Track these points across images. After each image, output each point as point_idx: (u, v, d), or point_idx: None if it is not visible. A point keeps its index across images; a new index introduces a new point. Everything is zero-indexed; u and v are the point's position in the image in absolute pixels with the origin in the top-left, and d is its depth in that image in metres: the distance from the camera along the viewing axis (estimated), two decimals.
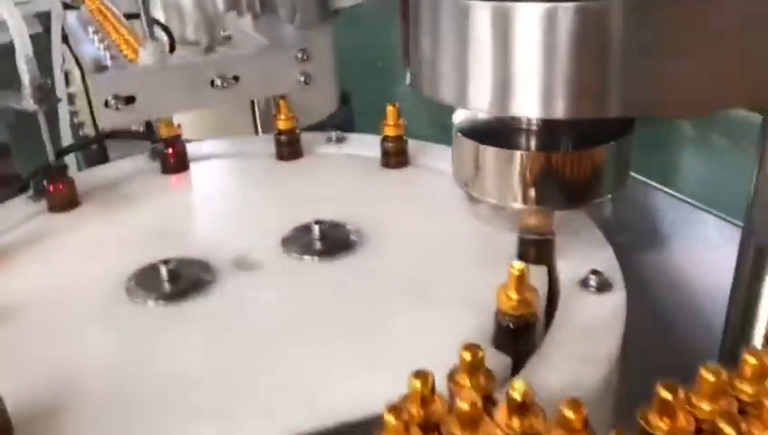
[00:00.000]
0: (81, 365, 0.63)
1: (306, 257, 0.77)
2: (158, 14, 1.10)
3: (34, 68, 0.83)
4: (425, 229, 0.82)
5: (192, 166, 1.02)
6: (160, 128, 0.96)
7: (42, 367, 0.63)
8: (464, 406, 0.44)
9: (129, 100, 0.89)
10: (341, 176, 0.98)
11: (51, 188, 0.91)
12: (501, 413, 0.45)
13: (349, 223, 0.83)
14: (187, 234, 0.85)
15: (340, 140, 1.07)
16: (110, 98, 0.88)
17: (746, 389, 0.48)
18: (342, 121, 1.58)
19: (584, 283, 0.69)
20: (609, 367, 0.59)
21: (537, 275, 0.72)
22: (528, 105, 0.59)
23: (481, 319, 0.63)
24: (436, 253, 0.78)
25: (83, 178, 0.98)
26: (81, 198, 0.94)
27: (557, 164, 0.65)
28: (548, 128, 0.68)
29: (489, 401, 0.49)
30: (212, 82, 0.92)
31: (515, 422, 0.44)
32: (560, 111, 0.58)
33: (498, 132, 0.67)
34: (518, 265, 0.59)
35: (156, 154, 1.01)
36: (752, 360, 0.49)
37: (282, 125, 1.02)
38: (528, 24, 0.56)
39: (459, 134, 0.68)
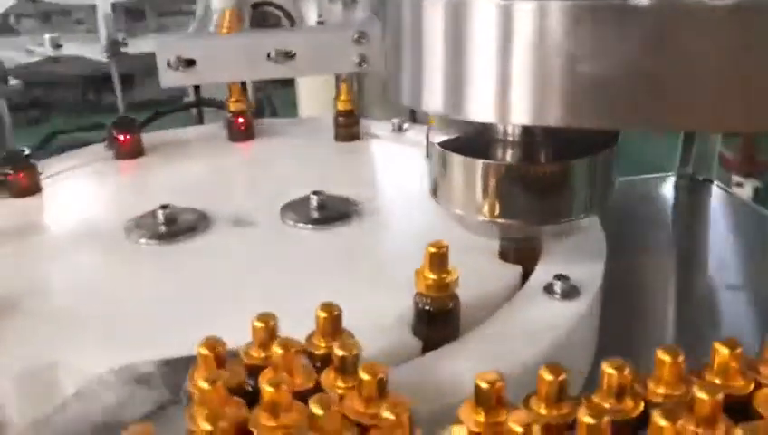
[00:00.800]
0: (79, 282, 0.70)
1: (300, 224, 0.79)
2: None
3: (111, 24, 0.91)
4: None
5: (257, 139, 1.08)
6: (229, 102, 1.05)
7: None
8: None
9: (190, 63, 0.95)
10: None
11: (120, 138, 1.00)
12: None
13: (354, 197, 0.83)
14: (211, 192, 0.90)
15: (402, 128, 1.08)
16: (172, 59, 0.95)
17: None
18: None
19: (549, 288, 0.65)
20: (517, 372, 0.55)
21: (509, 275, 0.69)
22: (483, 109, 0.56)
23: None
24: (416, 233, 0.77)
25: (156, 136, 1.07)
26: (147, 151, 1.03)
27: (519, 176, 0.62)
28: (531, 142, 0.65)
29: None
30: (268, 55, 0.96)
31: None
32: (517, 116, 0.55)
33: (480, 145, 0.65)
34: (437, 243, 0.56)
35: (227, 123, 1.09)
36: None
37: (341, 106, 1.05)
38: (482, 21, 0.54)
39: (431, 142, 0.67)
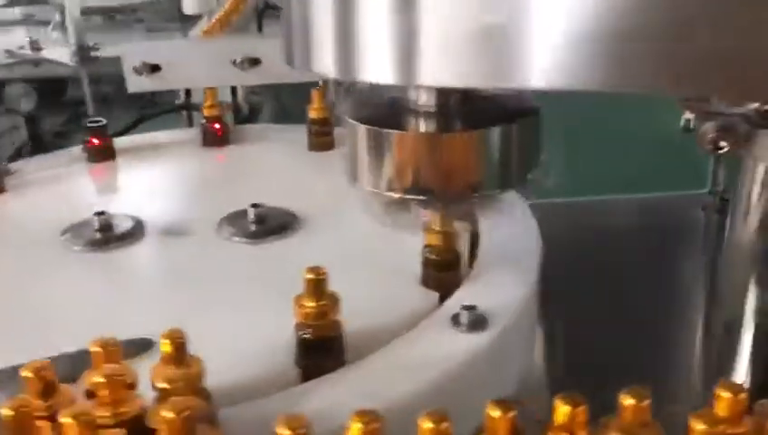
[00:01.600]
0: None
1: (234, 238, 0.78)
2: None
3: (82, 30, 0.92)
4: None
5: (232, 146, 1.07)
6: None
7: None
8: None
9: (155, 68, 0.96)
10: None
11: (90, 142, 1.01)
12: None
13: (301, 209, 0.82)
14: (161, 199, 0.90)
15: None
16: (137, 65, 0.95)
17: None
18: None
19: (455, 318, 0.62)
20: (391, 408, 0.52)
21: (425, 301, 0.67)
22: (376, 69, 0.52)
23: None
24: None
25: (131, 139, 1.08)
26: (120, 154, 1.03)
27: (426, 145, 0.58)
28: (446, 114, 0.59)
29: None
30: (233, 62, 0.96)
31: None
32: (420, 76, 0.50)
33: (395, 119, 0.60)
34: (315, 269, 0.54)
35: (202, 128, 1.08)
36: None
37: (314, 114, 1.03)
38: None
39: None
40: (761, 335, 0.61)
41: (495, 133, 0.58)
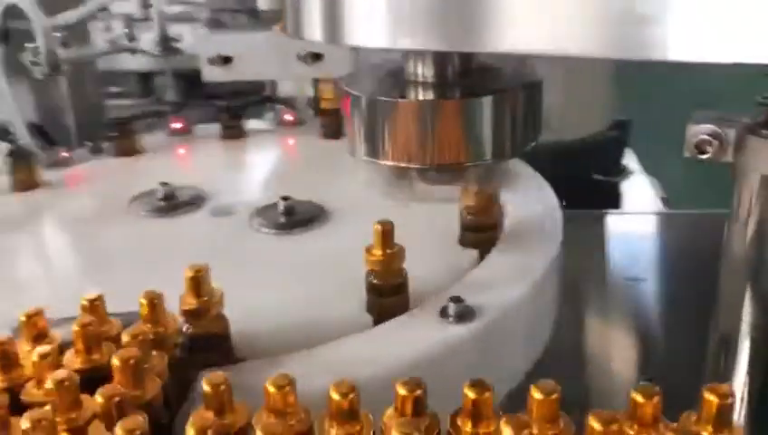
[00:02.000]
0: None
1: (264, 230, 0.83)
2: None
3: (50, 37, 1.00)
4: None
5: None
6: None
7: None
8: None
9: (227, 59, 1.03)
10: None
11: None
12: None
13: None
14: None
15: None
16: (212, 56, 1.03)
17: None
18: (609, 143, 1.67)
19: (443, 311, 0.64)
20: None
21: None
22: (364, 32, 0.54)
23: None
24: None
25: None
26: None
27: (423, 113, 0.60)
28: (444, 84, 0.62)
29: None
30: (298, 56, 1.01)
31: None
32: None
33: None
34: (194, 266, 0.55)
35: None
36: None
37: (324, 105, 1.09)
38: None
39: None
40: (755, 351, 0.58)
41: (487, 102, 0.60)
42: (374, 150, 0.63)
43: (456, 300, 0.64)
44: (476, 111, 0.60)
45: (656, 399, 0.41)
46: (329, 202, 0.86)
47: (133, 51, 1.11)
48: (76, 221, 0.88)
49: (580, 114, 1.83)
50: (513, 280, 0.69)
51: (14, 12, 1.07)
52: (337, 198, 0.86)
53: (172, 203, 0.88)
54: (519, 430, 0.40)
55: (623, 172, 1.87)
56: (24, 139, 1.08)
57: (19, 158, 0.95)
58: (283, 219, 0.82)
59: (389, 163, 0.62)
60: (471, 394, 0.42)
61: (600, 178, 1.85)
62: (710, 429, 0.41)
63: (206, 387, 0.43)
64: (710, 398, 0.41)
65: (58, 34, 1.09)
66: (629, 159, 1.89)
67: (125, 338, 0.51)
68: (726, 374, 0.60)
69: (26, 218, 0.88)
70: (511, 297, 0.66)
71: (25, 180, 0.95)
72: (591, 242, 1.66)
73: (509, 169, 0.78)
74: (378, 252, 0.63)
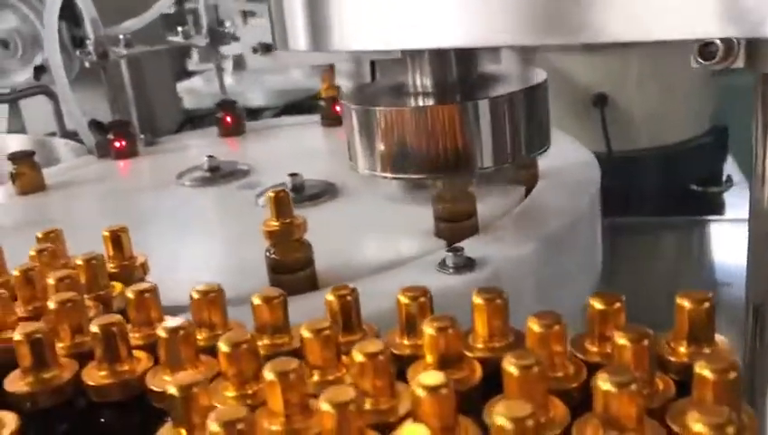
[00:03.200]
0: None
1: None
2: None
3: (99, 28, 1.02)
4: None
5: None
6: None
7: None
8: None
9: (268, 48, 1.03)
10: None
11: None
12: None
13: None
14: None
15: None
16: (255, 45, 1.03)
17: None
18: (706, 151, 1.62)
19: (442, 262, 0.59)
20: None
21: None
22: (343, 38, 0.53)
23: None
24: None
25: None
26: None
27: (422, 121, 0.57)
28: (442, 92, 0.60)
29: None
30: None
31: None
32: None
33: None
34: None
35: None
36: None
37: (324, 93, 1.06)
38: None
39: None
40: None
41: (484, 105, 0.57)
42: (372, 163, 0.61)
43: (455, 250, 0.59)
44: (474, 114, 0.57)
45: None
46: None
47: (187, 46, 1.14)
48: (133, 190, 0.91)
49: (676, 118, 1.73)
50: (523, 234, 0.63)
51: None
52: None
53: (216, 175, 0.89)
54: None
55: (724, 182, 1.76)
56: (86, 135, 1.12)
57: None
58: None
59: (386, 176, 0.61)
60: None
61: (698, 190, 1.75)
62: (685, 344, 0.35)
63: None
64: (684, 304, 0.34)
65: (122, 36, 1.13)
66: (731, 169, 1.78)
67: None
68: (763, 351, 0.51)
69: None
70: (518, 251, 0.61)
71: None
72: (686, 248, 1.57)
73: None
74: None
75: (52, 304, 0.40)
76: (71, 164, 1.07)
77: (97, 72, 1.19)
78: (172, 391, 0.31)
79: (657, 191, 1.77)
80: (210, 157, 0.90)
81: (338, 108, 1.11)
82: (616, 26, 0.42)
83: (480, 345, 0.37)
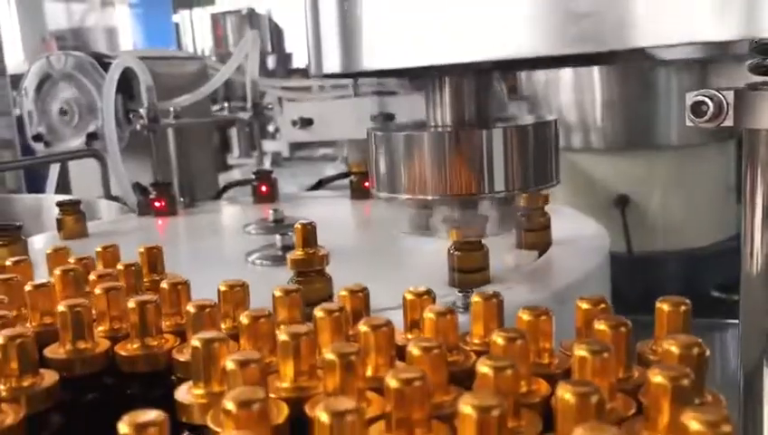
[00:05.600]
0: None
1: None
2: None
3: (153, 95, 1.11)
4: None
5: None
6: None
7: None
8: None
9: (308, 122, 1.10)
10: None
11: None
12: None
13: None
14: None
15: None
16: (295, 118, 1.11)
17: None
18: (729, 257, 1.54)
19: (453, 304, 0.63)
20: None
21: None
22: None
23: None
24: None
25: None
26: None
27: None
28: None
29: None
30: (371, 117, 1.07)
31: None
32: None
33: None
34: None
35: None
36: None
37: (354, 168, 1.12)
38: None
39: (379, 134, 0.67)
40: None
41: (498, 134, 0.62)
42: (394, 186, 0.67)
43: (465, 292, 0.63)
44: (489, 142, 0.63)
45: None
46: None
47: (232, 120, 1.22)
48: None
49: (698, 223, 1.76)
50: (535, 286, 0.67)
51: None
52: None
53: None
54: None
55: None
56: (129, 198, 1.20)
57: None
58: (279, 253, 0.83)
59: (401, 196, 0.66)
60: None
61: (719, 296, 1.76)
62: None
63: None
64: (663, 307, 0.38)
65: (172, 109, 1.22)
66: None
67: None
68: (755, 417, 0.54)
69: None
70: (526, 298, 0.64)
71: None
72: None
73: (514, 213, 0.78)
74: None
75: (98, 291, 0.45)
76: (112, 219, 1.13)
77: (142, 143, 1.27)
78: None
79: (677, 293, 1.80)
80: (275, 210, 0.96)
81: (366, 183, 1.18)
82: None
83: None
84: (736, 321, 1.62)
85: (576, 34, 0.50)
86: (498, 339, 0.34)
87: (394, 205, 1.08)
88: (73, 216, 0.97)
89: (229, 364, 0.32)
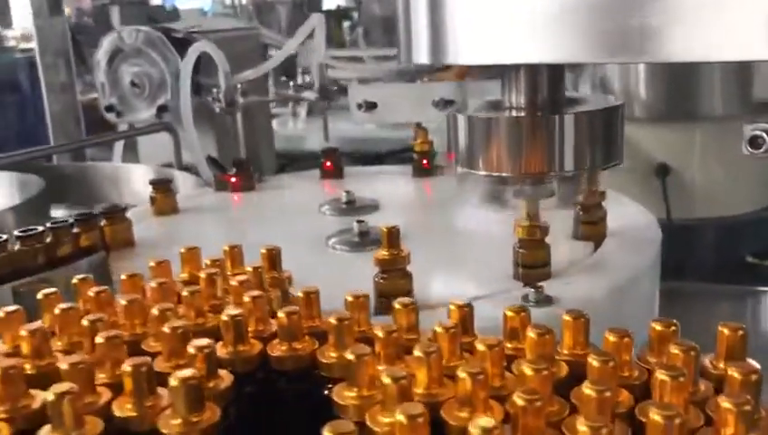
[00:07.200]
0: None
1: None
2: None
3: (230, 79, 1.18)
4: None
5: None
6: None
7: None
8: None
9: (372, 105, 1.18)
10: None
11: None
12: None
13: None
14: None
15: None
16: (360, 101, 1.18)
17: None
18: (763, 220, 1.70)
19: (525, 297, 0.72)
20: None
21: None
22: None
23: None
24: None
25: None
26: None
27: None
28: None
29: None
30: (433, 102, 1.14)
31: None
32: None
33: None
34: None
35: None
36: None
37: (417, 148, 1.19)
38: None
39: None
40: None
41: (571, 119, 0.69)
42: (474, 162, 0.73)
43: (536, 288, 0.71)
44: (562, 127, 0.69)
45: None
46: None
47: (298, 99, 1.30)
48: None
49: (736, 191, 1.82)
50: (593, 280, 0.75)
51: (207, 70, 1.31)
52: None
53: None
54: None
55: None
56: (204, 170, 1.29)
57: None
58: (356, 239, 0.93)
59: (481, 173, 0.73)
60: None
61: (754, 262, 1.82)
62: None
63: None
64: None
65: (239, 85, 1.30)
66: None
67: None
68: None
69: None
70: (586, 292, 0.73)
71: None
72: (739, 317, 1.64)
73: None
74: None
75: (246, 298, 0.54)
76: (193, 193, 1.22)
77: (206, 116, 1.36)
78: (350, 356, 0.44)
79: (713, 260, 1.87)
80: (347, 192, 1.05)
81: (425, 161, 1.26)
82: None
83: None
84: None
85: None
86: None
87: (459, 182, 1.17)
88: (165, 193, 1.07)
89: (386, 379, 0.41)
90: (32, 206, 1.20)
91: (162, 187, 1.07)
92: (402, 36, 0.72)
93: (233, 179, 1.19)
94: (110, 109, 1.51)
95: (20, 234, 0.83)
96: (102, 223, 0.91)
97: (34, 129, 2.89)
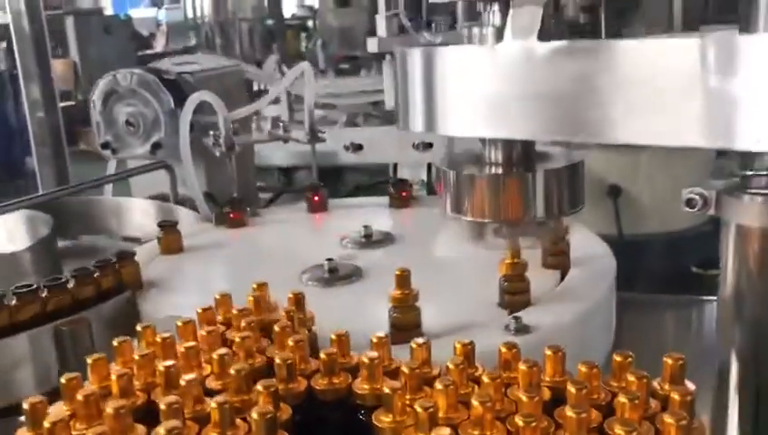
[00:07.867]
0: None
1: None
2: None
3: (229, 126, 1.31)
4: None
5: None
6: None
7: None
8: None
9: (359, 147, 1.31)
10: None
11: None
12: None
13: None
14: None
15: None
16: (347, 144, 1.31)
17: None
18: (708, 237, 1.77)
19: (507, 326, 0.86)
20: None
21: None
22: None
23: None
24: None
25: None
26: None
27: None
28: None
29: None
30: (413, 145, 1.28)
31: None
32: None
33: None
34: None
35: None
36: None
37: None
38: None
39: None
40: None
41: (541, 175, 0.83)
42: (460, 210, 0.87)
43: (516, 318, 0.85)
44: (534, 181, 0.83)
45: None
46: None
47: (287, 140, 1.42)
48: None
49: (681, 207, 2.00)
50: (562, 308, 0.90)
51: (199, 108, 1.42)
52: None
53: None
54: None
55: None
56: (201, 205, 1.40)
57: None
58: (326, 275, 1.06)
59: (468, 218, 0.87)
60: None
61: (700, 272, 2.00)
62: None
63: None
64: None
65: (231, 125, 1.41)
66: None
67: None
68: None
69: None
70: (559, 321, 0.87)
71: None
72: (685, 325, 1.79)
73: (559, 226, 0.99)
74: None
75: (291, 342, 0.67)
76: (194, 229, 1.33)
77: (196, 153, 1.47)
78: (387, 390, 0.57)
79: (661, 271, 2.04)
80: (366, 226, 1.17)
81: (404, 193, 1.39)
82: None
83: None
84: (713, 298, 1.85)
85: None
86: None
87: (435, 216, 1.30)
88: (172, 235, 1.18)
89: (418, 408, 0.54)
90: (44, 244, 1.30)
91: (170, 229, 1.18)
92: (400, 106, 0.85)
93: (231, 216, 1.31)
94: (105, 146, 1.61)
95: (48, 283, 0.94)
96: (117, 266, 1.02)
97: None
